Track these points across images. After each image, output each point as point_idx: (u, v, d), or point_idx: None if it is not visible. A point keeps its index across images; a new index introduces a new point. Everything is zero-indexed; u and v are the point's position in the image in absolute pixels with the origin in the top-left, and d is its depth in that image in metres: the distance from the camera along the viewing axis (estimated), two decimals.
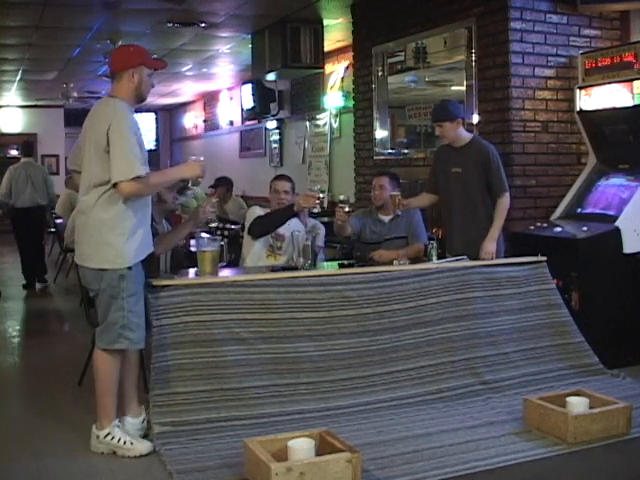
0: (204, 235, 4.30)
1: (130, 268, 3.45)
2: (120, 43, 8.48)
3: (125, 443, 3.49)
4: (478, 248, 4.63)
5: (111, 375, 3.53)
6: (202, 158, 3.69)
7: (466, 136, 4.83)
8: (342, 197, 4.83)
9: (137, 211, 3.46)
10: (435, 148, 5.56)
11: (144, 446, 3.49)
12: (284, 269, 4.37)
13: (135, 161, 3.34)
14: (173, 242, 4.35)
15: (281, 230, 4.81)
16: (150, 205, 3.63)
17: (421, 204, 5.14)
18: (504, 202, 4.70)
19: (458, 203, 4.80)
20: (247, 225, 4.88)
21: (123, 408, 3.68)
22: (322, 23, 7.93)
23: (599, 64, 5.30)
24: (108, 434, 3.50)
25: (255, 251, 4.82)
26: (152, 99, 15.26)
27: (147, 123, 16.93)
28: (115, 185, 3.35)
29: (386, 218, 5.11)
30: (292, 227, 4.87)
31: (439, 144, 5.39)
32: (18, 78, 11.82)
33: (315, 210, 4.72)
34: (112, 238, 3.40)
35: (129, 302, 3.46)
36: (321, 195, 4.68)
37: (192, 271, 4.31)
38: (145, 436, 3.62)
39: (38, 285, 8.63)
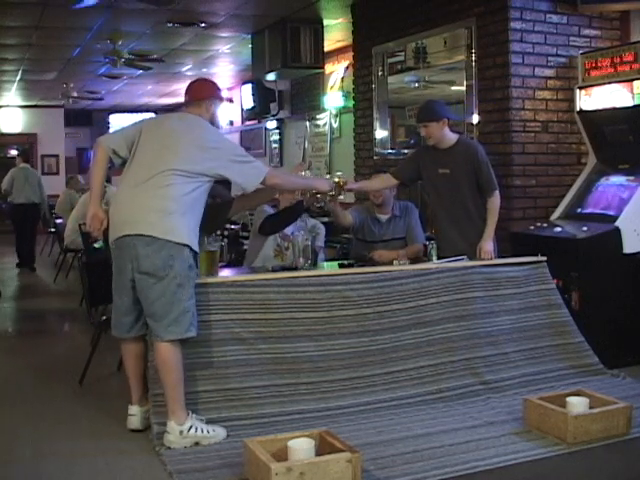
0: None
1: (195, 259, 3.61)
2: (120, 42, 8.48)
3: (209, 432, 3.52)
4: (472, 248, 4.62)
5: (180, 364, 3.53)
6: (336, 179, 4.38)
7: (452, 137, 4.74)
8: (339, 174, 4.79)
9: (202, 210, 3.65)
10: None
11: (223, 430, 3.57)
12: (284, 269, 4.37)
13: (254, 165, 3.77)
14: (245, 207, 4.68)
15: (288, 230, 4.82)
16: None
17: (373, 187, 5.02)
18: (495, 201, 4.65)
19: (448, 204, 4.74)
20: (256, 223, 4.89)
21: (132, 397, 3.75)
22: (322, 23, 7.94)
23: (599, 64, 5.30)
24: (191, 427, 3.48)
25: (265, 251, 4.87)
26: (152, 99, 15.27)
27: None
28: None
29: (384, 217, 5.11)
30: (298, 227, 4.89)
31: None
32: (18, 78, 11.83)
33: (328, 198, 4.73)
34: (193, 225, 3.56)
35: (194, 289, 3.58)
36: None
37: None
38: (146, 428, 3.70)
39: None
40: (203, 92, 3.86)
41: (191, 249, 3.54)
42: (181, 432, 3.46)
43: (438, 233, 4.92)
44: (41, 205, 10.33)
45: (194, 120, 3.74)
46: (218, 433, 3.54)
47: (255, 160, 3.83)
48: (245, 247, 5.98)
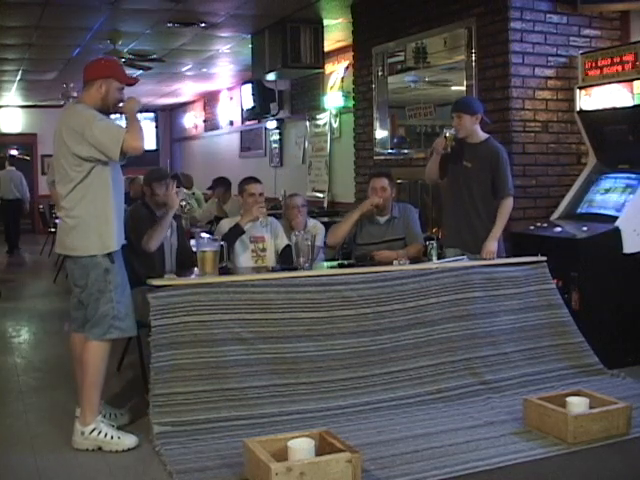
0: (204, 235, 4.30)
1: (113, 262, 3.58)
2: (120, 42, 8.49)
3: (112, 438, 3.53)
4: (472, 243, 4.68)
5: (101, 368, 3.60)
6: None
7: (482, 135, 4.86)
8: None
9: (106, 206, 3.59)
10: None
11: (131, 440, 3.55)
12: (284, 269, 4.37)
13: (114, 125, 3.61)
14: (161, 234, 4.41)
15: (258, 232, 4.75)
16: (120, 201, 3.69)
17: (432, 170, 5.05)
18: (507, 204, 4.72)
19: (460, 196, 4.83)
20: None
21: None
22: (322, 23, 7.93)
23: (599, 64, 5.30)
24: (94, 430, 3.53)
25: (242, 260, 4.73)
26: (152, 99, 15.26)
27: (146, 123, 16.88)
28: (122, 154, 3.49)
29: (382, 219, 5.10)
30: (272, 226, 4.84)
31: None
32: (18, 78, 11.83)
33: (260, 219, 4.75)
34: (98, 228, 3.56)
35: (116, 294, 3.59)
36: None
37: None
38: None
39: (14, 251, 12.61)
40: (92, 73, 3.67)
41: (104, 254, 3.56)
42: (82, 433, 3.53)
43: (444, 221, 5.10)
44: (23, 200, 12.86)
45: (66, 115, 3.68)
46: (124, 442, 3.54)
47: (116, 124, 3.61)
48: None
